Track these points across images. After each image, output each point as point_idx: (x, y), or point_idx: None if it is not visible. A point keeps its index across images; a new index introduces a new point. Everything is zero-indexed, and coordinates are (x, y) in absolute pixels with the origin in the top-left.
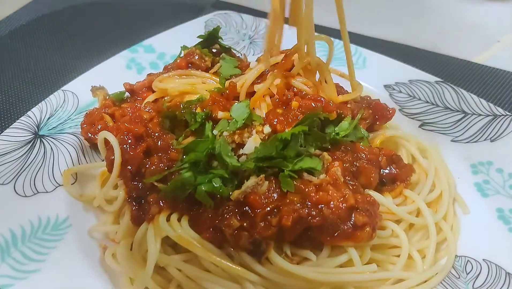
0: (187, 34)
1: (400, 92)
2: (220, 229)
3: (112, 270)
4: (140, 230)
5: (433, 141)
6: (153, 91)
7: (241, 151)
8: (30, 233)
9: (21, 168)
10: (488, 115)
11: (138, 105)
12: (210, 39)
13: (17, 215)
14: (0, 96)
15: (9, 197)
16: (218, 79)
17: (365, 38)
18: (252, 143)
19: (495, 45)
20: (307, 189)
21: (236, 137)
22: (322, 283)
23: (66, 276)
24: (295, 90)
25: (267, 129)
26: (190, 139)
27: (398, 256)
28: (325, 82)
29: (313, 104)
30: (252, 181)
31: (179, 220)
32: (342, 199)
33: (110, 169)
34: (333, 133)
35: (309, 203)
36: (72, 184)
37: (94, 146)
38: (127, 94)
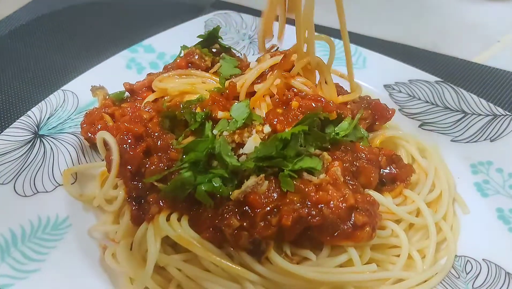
0: (187, 34)
1: (400, 92)
2: (220, 228)
3: (112, 270)
4: (140, 230)
5: (433, 141)
6: (153, 91)
7: (241, 151)
8: (30, 233)
9: (21, 168)
10: (488, 115)
11: (138, 105)
12: (210, 39)
13: (17, 215)
14: (0, 96)
15: (9, 197)
16: (218, 79)
17: (365, 38)
18: (252, 142)
19: (495, 45)
20: (307, 189)
21: (236, 136)
22: (322, 282)
23: (66, 276)
24: (295, 90)
25: (267, 129)
26: (190, 139)
27: (398, 256)
28: (325, 82)
29: (313, 104)
30: (252, 180)
31: (179, 219)
32: (342, 199)
33: (110, 169)
34: (333, 133)
35: (309, 203)
36: (72, 184)
37: (94, 146)
38: (127, 94)
